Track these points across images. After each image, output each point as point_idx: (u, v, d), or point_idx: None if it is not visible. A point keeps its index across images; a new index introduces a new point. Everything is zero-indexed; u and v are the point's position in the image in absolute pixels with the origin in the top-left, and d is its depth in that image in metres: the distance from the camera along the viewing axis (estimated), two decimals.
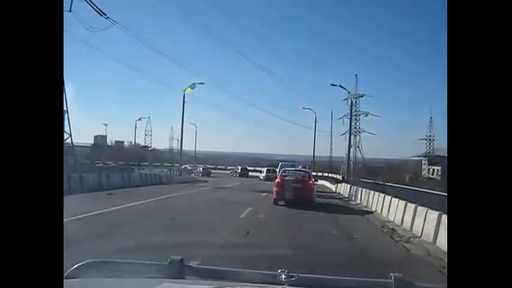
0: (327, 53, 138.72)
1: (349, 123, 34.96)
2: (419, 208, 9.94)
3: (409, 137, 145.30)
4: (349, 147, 31.14)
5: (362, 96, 50.49)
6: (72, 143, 27.35)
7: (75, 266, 1.43)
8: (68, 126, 26.10)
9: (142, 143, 72.03)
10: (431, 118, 63.48)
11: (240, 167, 52.19)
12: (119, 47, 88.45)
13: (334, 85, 32.29)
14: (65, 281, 1.27)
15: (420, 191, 15.16)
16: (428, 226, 8.87)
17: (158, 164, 55.26)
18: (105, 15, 23.22)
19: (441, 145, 54.23)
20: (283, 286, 1.34)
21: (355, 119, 48.84)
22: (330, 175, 41.03)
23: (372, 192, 17.03)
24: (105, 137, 63.87)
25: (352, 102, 30.48)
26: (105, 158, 51.77)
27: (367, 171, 42.34)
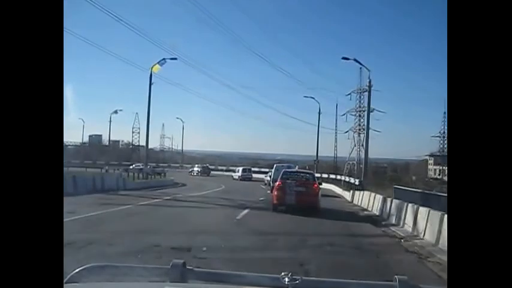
0: (330, 35, 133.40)
1: (354, 120, 31.22)
2: None
3: (416, 136, 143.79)
4: (367, 144, 25.47)
5: (367, 91, 48.96)
6: None
7: (76, 270, 1.42)
8: None
9: (130, 141, 68.82)
10: (445, 113, 54.40)
11: (240, 169, 42.07)
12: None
13: (346, 59, 25.45)
14: (65, 285, 1.26)
15: None
16: None
17: (115, 162, 49.36)
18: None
19: None
20: None
21: (359, 115, 46.84)
22: (333, 176, 39.41)
23: (431, 211, 8.81)
24: (100, 136, 61.82)
25: (370, 81, 24.84)
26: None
27: (372, 172, 41.42)
